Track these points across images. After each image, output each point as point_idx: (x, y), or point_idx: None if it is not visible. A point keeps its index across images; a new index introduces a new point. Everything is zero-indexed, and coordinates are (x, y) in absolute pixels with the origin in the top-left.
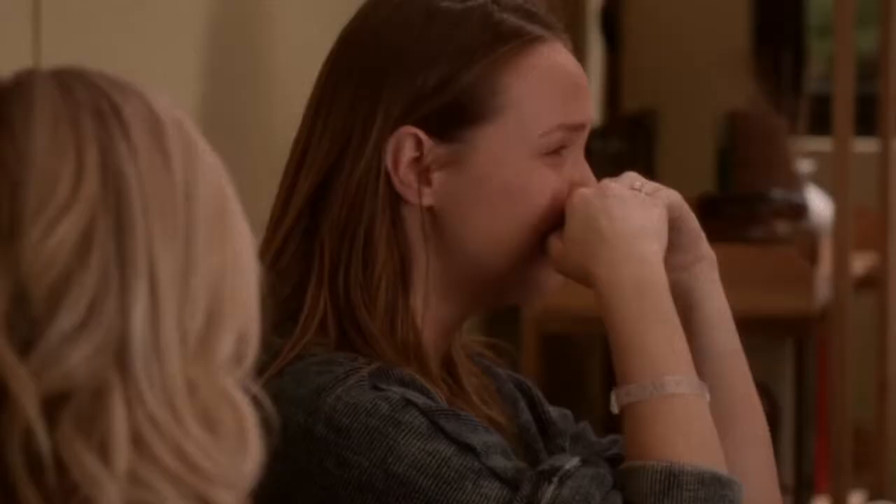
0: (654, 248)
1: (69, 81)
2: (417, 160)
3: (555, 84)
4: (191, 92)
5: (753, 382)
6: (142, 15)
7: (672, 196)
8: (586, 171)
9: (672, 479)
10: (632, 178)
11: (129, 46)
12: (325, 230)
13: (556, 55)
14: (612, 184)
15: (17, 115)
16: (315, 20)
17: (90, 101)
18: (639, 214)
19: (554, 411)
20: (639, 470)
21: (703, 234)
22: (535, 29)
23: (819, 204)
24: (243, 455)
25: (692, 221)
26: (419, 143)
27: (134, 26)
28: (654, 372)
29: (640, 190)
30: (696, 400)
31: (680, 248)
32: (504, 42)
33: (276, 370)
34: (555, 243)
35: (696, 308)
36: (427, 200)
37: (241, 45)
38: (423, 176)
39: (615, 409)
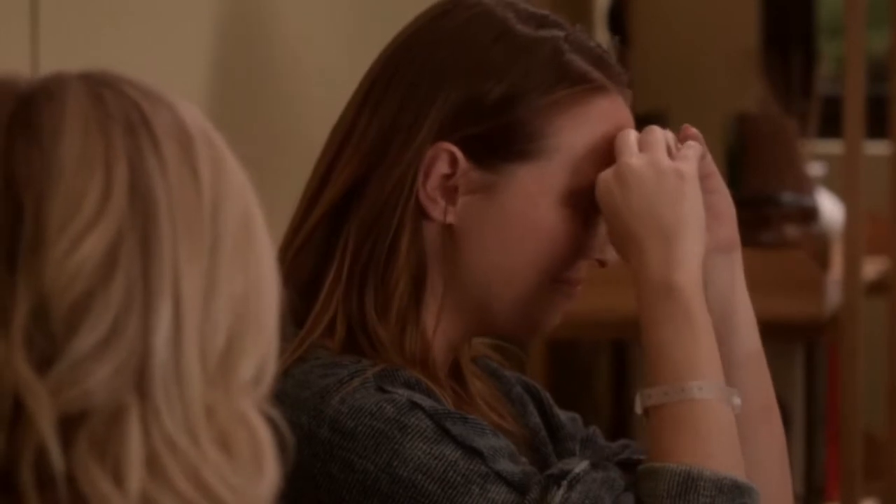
0: (686, 246)
1: (100, 90)
2: (447, 177)
3: (604, 142)
4: (193, 93)
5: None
6: (142, 13)
7: (700, 151)
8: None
9: (690, 483)
10: (657, 140)
11: (128, 45)
12: (353, 228)
13: (614, 111)
14: (630, 161)
15: (47, 123)
16: (322, 17)
17: (121, 112)
18: (670, 211)
19: (563, 415)
20: (657, 471)
21: (734, 209)
22: (600, 78)
23: (830, 207)
24: (258, 479)
25: (720, 181)
26: (454, 161)
27: (133, 25)
28: (679, 376)
29: (670, 149)
30: (719, 406)
31: (717, 215)
32: (567, 85)
33: (279, 369)
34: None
35: (728, 307)
36: (449, 218)
37: (247, 45)
38: (450, 195)
39: (639, 409)
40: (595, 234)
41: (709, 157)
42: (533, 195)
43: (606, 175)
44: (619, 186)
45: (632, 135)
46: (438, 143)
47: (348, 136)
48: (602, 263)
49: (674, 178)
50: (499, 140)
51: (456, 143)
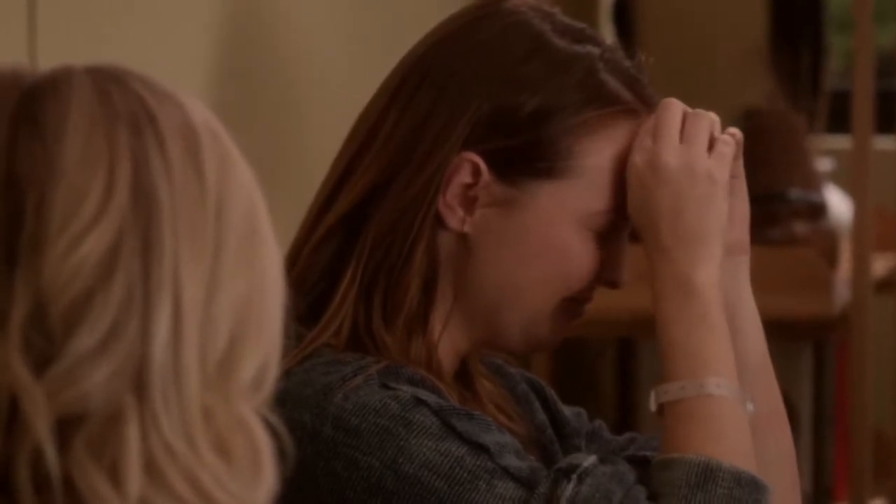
0: (707, 250)
1: (107, 86)
2: (468, 187)
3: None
4: (192, 93)
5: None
6: (142, 13)
7: (735, 151)
8: (623, 252)
9: (709, 473)
10: (701, 133)
11: (128, 45)
12: (371, 231)
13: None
14: (667, 158)
15: (51, 119)
16: (322, 17)
17: (127, 109)
18: (696, 215)
19: (568, 410)
20: (675, 461)
21: (748, 215)
22: (631, 100)
23: (838, 204)
24: (256, 484)
25: (743, 185)
26: (476, 172)
27: (133, 25)
28: (696, 372)
29: (713, 137)
30: (735, 404)
31: (730, 217)
32: (598, 106)
33: (281, 370)
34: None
35: (734, 313)
36: (465, 228)
37: (247, 45)
38: (468, 205)
39: (653, 406)
40: (610, 257)
41: (740, 160)
42: (552, 214)
43: (641, 162)
44: (651, 179)
45: (676, 115)
46: (463, 153)
47: (372, 136)
48: (613, 285)
49: (706, 183)
50: (525, 155)
51: (481, 154)
